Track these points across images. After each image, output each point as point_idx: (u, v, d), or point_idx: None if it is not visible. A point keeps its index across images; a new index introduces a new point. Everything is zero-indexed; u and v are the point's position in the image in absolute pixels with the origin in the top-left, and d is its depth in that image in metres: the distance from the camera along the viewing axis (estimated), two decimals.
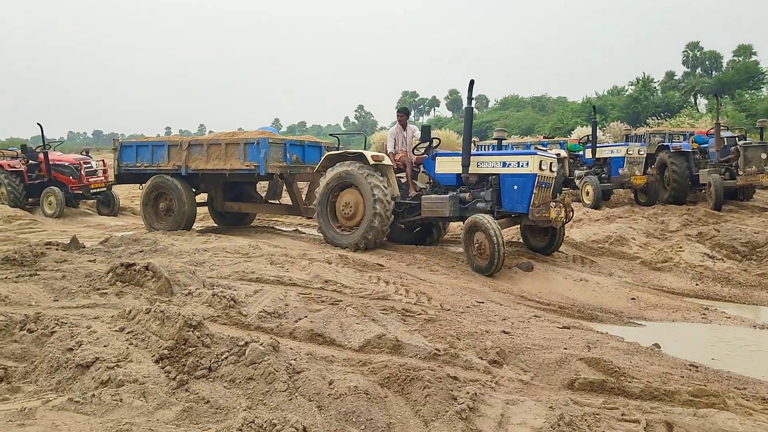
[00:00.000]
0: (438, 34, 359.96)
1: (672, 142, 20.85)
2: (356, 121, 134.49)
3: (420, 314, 5.92)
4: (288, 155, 11.40)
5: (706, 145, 18.03)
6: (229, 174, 11.30)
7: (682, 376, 4.72)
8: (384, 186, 9.37)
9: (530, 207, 8.38)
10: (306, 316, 5.36)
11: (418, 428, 3.36)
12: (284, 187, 12.55)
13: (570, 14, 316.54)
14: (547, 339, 5.48)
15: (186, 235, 11.24)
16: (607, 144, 20.30)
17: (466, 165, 8.93)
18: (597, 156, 17.88)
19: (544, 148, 14.12)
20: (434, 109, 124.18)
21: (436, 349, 4.62)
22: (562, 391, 4.15)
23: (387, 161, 9.78)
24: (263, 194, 13.59)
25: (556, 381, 4.35)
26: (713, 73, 73.47)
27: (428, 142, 9.89)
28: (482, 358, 4.62)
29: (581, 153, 19.09)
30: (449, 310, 6.29)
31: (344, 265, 8.20)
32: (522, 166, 8.51)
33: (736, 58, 69.89)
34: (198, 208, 12.86)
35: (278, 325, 5.15)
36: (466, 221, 8.35)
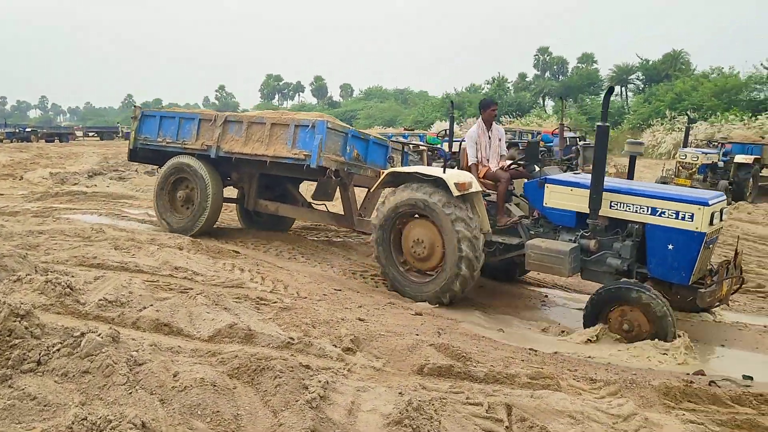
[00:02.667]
0: (303, 16, 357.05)
1: (521, 139, 22.17)
2: (217, 102, 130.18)
3: (275, 302, 5.81)
4: (348, 149, 8.85)
5: (551, 143, 19.36)
6: (270, 162, 8.73)
7: (523, 360, 5.01)
8: (468, 218, 6.75)
9: (691, 277, 5.95)
10: (152, 305, 5.04)
11: (267, 419, 3.28)
12: (337, 189, 9.79)
13: (434, 10, 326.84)
14: (400, 325, 5.60)
15: (19, 215, 10.21)
16: (463, 139, 21.14)
17: (595, 207, 6.27)
18: (453, 150, 18.57)
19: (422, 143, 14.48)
20: (299, 95, 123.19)
21: (290, 338, 4.54)
22: (412, 377, 4.24)
23: (475, 187, 6.96)
24: (308, 197, 10.71)
25: (406, 367, 4.44)
26: (560, 77, 79.05)
27: (532, 160, 7.22)
28: (336, 346, 4.61)
29: (440, 146, 19.74)
30: (306, 297, 6.23)
31: (196, 251, 7.87)
32: (684, 219, 5.89)
33: (580, 65, 75.75)
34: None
35: (120, 315, 4.80)
36: (603, 292, 5.89)
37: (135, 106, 10.45)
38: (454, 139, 18.96)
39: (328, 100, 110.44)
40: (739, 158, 17.78)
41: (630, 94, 64.52)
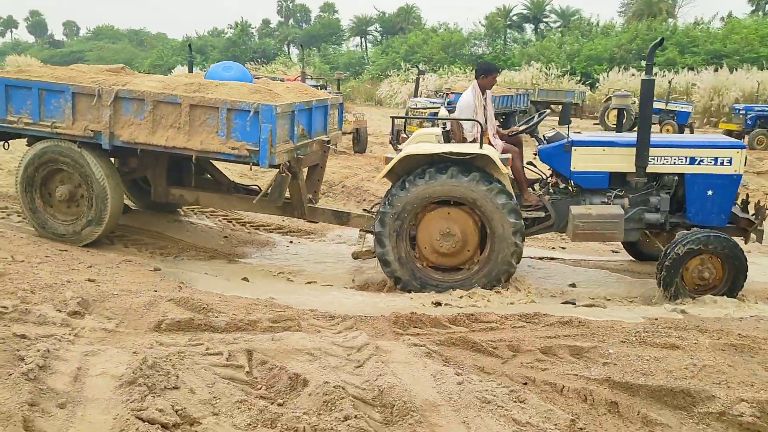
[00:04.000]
0: None
1: None
2: None
3: None
4: (295, 128, 6.64)
5: None
6: (197, 157, 6.52)
7: (266, 306, 5.09)
8: (517, 206, 6.04)
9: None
10: None
11: None
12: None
13: None
14: (137, 283, 5.30)
15: None
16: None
17: (643, 164, 6.09)
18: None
19: None
20: (11, 32, 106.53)
21: (3, 307, 4.03)
22: (149, 334, 4.07)
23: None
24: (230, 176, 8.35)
25: (143, 325, 4.23)
26: (303, 25, 79.70)
27: (564, 122, 6.96)
28: (60, 311, 4.21)
29: None
30: (23, 261, 5.54)
31: None
32: (723, 163, 6.16)
33: (322, 14, 77.07)
34: None
35: None
36: (682, 241, 5.82)
37: None
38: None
39: (49, 39, 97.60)
40: None
41: (369, 45, 67.68)
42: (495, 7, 56.99)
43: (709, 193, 6.18)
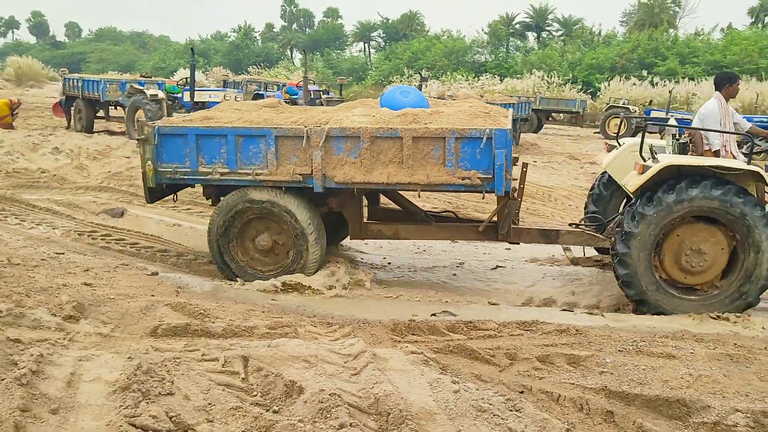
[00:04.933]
0: None
1: (267, 90, 22.07)
2: None
3: None
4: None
5: (297, 95, 19.59)
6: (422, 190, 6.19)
7: (263, 311, 5.08)
8: None
9: None
10: None
11: None
12: None
13: None
14: (134, 287, 5.29)
15: None
16: (206, 88, 20.41)
17: None
18: (196, 99, 17.81)
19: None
20: (13, 32, 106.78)
21: None
22: (145, 339, 4.05)
23: None
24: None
25: (138, 330, 4.22)
26: (307, 30, 79.89)
27: None
28: (55, 315, 4.19)
29: (180, 95, 18.79)
30: (19, 264, 5.54)
31: None
32: None
33: (325, 19, 77.28)
34: None
35: None
36: None
37: (139, 122, 6.52)
38: (198, 89, 18.30)
39: (51, 40, 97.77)
40: None
41: (373, 50, 67.82)
42: (498, 15, 57.25)
43: None
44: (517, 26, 56.80)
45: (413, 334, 4.69)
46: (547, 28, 57.21)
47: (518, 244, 6.97)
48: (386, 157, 5.91)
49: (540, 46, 53.50)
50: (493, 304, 5.93)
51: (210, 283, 6.04)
